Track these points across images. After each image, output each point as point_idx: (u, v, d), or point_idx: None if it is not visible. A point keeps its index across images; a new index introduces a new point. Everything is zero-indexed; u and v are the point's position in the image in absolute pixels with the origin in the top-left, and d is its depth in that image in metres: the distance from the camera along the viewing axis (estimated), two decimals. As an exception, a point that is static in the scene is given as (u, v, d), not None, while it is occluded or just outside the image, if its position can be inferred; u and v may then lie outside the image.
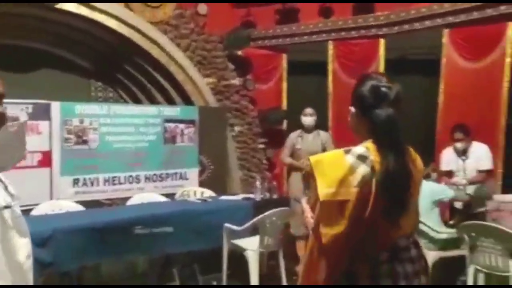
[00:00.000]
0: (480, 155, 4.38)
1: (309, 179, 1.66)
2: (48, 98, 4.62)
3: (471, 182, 4.29)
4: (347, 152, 1.58)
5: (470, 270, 3.34)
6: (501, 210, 3.60)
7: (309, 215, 1.72)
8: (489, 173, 4.39)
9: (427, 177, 3.93)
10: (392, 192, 1.52)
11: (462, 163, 4.39)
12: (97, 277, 3.72)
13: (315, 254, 1.62)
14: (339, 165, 1.54)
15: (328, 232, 1.53)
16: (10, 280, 1.48)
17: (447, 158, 4.56)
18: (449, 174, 4.52)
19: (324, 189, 1.53)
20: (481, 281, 3.43)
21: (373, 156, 1.55)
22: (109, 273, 3.85)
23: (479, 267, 3.29)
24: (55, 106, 4.58)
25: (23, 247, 1.54)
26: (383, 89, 1.62)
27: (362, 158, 1.54)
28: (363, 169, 1.52)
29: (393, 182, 1.52)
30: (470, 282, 3.34)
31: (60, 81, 5.65)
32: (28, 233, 1.62)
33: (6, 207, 1.51)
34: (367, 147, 1.59)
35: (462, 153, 4.40)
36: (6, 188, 1.60)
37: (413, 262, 1.61)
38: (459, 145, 4.41)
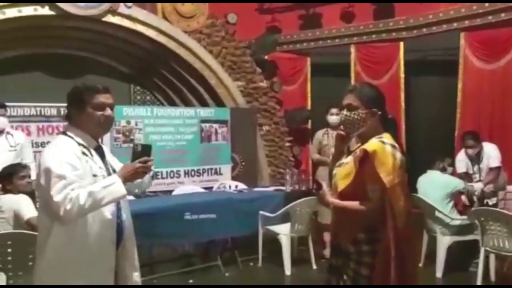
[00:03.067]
0: (490, 154, 4.58)
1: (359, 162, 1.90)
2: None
3: (486, 184, 4.47)
4: (383, 143, 1.89)
5: (482, 252, 3.70)
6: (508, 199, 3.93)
7: (329, 197, 2.02)
8: (499, 169, 4.59)
9: (443, 170, 4.26)
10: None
11: (477, 167, 4.61)
12: (149, 257, 4.20)
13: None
14: (387, 154, 1.86)
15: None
16: (97, 232, 1.86)
17: (462, 161, 4.70)
18: (467, 175, 4.67)
19: (386, 177, 1.82)
20: (492, 261, 3.80)
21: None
22: (159, 253, 4.36)
23: (488, 249, 3.66)
24: (105, 109, 5.12)
25: (108, 206, 1.90)
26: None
27: (393, 146, 1.90)
28: (399, 155, 1.88)
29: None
30: (481, 263, 3.70)
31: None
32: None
33: (94, 175, 1.90)
34: (387, 138, 1.92)
35: (476, 158, 4.58)
36: (105, 162, 2.01)
37: None
38: (470, 151, 4.56)
